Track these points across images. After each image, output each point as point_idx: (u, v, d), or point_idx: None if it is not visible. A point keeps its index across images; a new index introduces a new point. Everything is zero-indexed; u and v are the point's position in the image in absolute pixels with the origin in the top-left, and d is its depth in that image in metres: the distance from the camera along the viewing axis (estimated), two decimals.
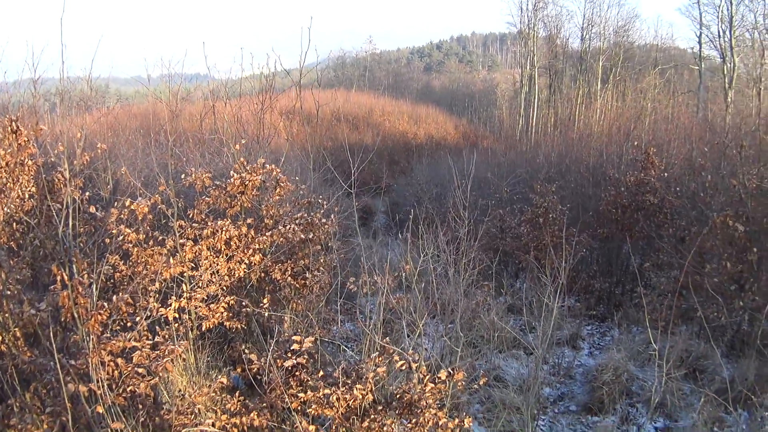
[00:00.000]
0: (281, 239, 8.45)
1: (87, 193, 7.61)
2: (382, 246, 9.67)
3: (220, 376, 6.63)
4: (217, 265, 7.79)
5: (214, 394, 6.62)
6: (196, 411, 6.19)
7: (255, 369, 6.18)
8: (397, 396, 5.87)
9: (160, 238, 7.49)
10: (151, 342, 5.90)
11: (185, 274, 7.57)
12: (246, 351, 6.50)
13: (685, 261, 9.83)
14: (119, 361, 5.60)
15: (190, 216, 8.21)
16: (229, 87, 12.91)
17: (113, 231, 7.18)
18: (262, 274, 8.73)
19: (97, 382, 5.24)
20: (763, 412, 7.60)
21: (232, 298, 7.88)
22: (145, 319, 6.05)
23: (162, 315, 6.67)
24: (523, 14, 45.95)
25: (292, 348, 5.93)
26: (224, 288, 7.89)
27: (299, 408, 5.82)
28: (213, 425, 5.96)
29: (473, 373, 8.37)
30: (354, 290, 8.36)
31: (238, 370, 7.78)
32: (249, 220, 8.31)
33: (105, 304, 5.52)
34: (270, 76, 11.52)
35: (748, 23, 35.36)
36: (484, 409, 8.94)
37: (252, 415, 6.04)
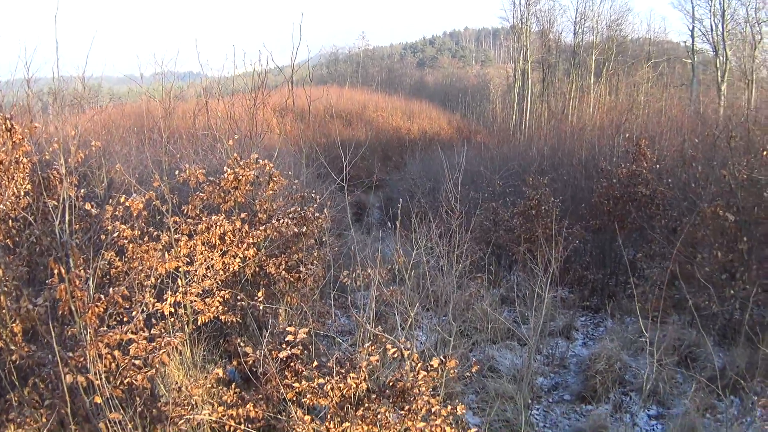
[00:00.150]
0: (275, 233, 8.54)
1: (82, 191, 7.65)
2: (376, 240, 9.75)
3: (215, 368, 6.70)
4: (212, 259, 7.85)
5: (210, 386, 6.69)
6: (193, 403, 6.26)
7: (250, 362, 6.24)
8: (390, 384, 5.94)
9: (155, 233, 7.54)
10: (147, 335, 5.97)
11: (180, 269, 7.63)
12: (241, 344, 6.56)
13: (676, 251, 9.94)
14: (116, 353, 5.68)
15: (185, 212, 8.27)
16: (222, 84, 12.96)
17: (108, 227, 7.23)
18: (257, 269, 8.81)
19: (95, 374, 5.32)
20: (752, 397, 7.70)
21: (227, 292, 7.95)
22: (141, 314, 6.12)
23: (158, 310, 6.74)
24: (516, 9, 45.94)
25: (286, 339, 6.01)
26: (219, 282, 7.96)
27: (294, 398, 5.89)
28: (210, 417, 6.04)
29: (467, 363, 8.45)
30: (348, 283, 8.44)
31: (234, 363, 7.84)
32: (243, 215, 8.36)
33: (101, 296, 5.59)
34: (262, 73, 11.59)
35: (740, 17, 35.49)
36: (479, 399, 9.04)
37: (248, 406, 6.13)
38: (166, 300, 6.90)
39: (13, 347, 5.85)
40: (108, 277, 7.21)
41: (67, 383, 5.30)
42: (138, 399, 5.86)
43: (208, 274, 7.79)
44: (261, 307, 7.93)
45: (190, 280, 7.61)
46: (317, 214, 9.03)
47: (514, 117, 45.12)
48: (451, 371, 6.38)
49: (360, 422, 5.81)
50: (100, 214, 7.44)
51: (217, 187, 8.53)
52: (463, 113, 56.78)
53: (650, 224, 12.41)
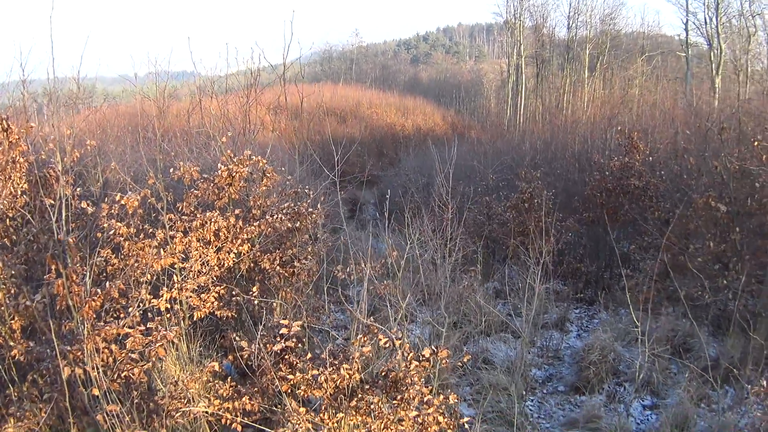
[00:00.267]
0: (269, 229, 8.61)
1: (78, 189, 7.73)
2: (370, 236, 9.81)
3: (211, 361, 6.77)
4: (207, 255, 7.93)
5: (206, 379, 6.77)
6: (189, 396, 6.34)
7: (246, 356, 6.32)
8: (383, 374, 6.02)
9: (151, 231, 7.62)
10: (143, 329, 6.06)
11: (176, 266, 7.71)
12: (237, 339, 6.64)
13: (668, 243, 10.01)
14: (113, 347, 5.77)
15: (180, 209, 8.34)
16: (215, 83, 13.03)
17: (104, 225, 7.31)
18: (252, 264, 8.88)
19: (93, 368, 5.41)
20: (744, 384, 7.76)
21: (222, 287, 8.03)
22: (137, 310, 6.21)
23: (154, 306, 6.83)
24: (509, 4, 45.77)
25: (280, 332, 6.09)
26: (214, 278, 8.04)
27: (289, 391, 5.96)
28: (206, 411, 6.12)
29: (460, 355, 8.52)
30: (342, 277, 8.52)
31: (230, 358, 7.91)
32: (237, 211, 8.44)
33: (98, 290, 5.68)
34: (255, 71, 11.66)
35: (734, 9, 35.40)
36: (473, 391, 9.08)
37: (244, 399, 6.18)
38: (162, 296, 6.99)
39: (12, 343, 5.95)
40: (104, 274, 7.29)
41: (66, 376, 5.39)
42: (135, 392, 5.95)
43: (204, 270, 7.88)
44: (256, 302, 8.02)
45: (185, 276, 7.69)
46: (311, 210, 9.11)
47: (508, 112, 45.14)
48: (443, 361, 6.47)
49: (354, 413, 5.90)
50: (96, 213, 7.52)
51: (212, 184, 8.61)
52: (458, 109, 56.77)
53: (643, 216, 12.45)
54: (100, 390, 5.36)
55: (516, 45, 45.67)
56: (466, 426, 6.55)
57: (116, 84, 36.19)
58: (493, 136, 31.22)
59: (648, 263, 11.24)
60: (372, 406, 5.80)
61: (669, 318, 10.29)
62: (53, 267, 5.44)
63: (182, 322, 7.59)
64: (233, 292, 8.29)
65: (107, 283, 6.04)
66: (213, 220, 8.00)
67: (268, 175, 9.13)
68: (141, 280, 7.00)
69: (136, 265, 7.19)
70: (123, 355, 5.83)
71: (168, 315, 6.99)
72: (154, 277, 7.32)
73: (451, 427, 6.14)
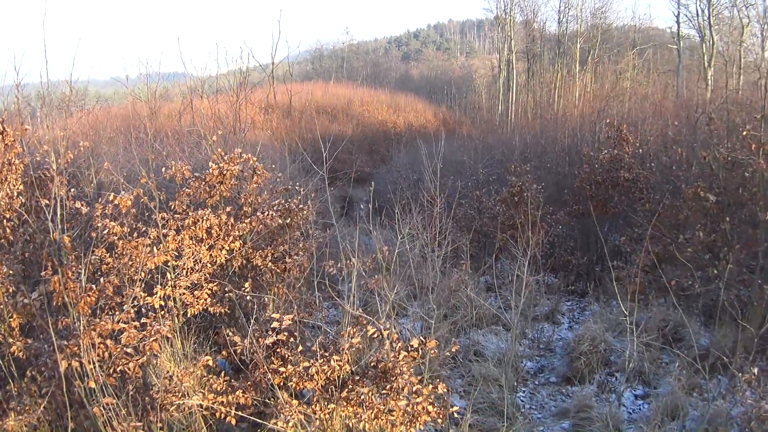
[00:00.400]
0: (260, 226, 8.68)
1: (72, 190, 7.82)
2: (363, 232, 9.87)
3: (205, 356, 6.86)
4: (200, 253, 7.99)
5: (200, 373, 6.87)
6: (184, 391, 6.45)
7: (239, 351, 6.43)
8: (372, 365, 6.14)
9: (144, 229, 7.68)
10: (137, 324, 6.18)
11: (169, 263, 7.77)
12: (230, 334, 6.74)
13: (659, 234, 10.10)
14: (108, 342, 5.89)
15: (172, 207, 8.38)
16: (206, 83, 13.11)
17: (98, 225, 7.40)
18: (244, 261, 8.96)
19: (89, 363, 5.53)
20: (735, 373, 7.83)
21: (215, 284, 8.11)
22: (131, 307, 6.32)
23: (148, 303, 6.93)
24: (500, 0, 46.03)
25: (272, 326, 6.21)
26: (207, 275, 8.11)
27: (282, 383, 6.08)
28: (200, 404, 6.24)
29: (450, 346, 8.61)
30: (333, 273, 8.62)
31: (224, 353, 8.00)
32: (228, 209, 8.49)
33: (93, 286, 5.80)
34: (246, 71, 11.76)
35: (726, 1, 35.43)
36: (465, 383, 9.14)
37: (237, 393, 6.30)
38: (156, 293, 7.09)
39: (11, 340, 6.08)
40: (99, 273, 7.37)
41: (63, 369, 5.52)
42: (131, 386, 6.07)
43: (196, 268, 7.95)
44: (248, 298, 8.12)
45: (178, 274, 7.76)
46: (301, 206, 9.20)
47: (499, 107, 45.18)
48: (432, 351, 6.57)
49: (345, 404, 6.02)
50: (90, 212, 7.60)
51: (203, 183, 8.67)
52: (449, 105, 56.61)
53: (632, 208, 12.55)
54: (96, 384, 5.47)
55: (507, 40, 45.69)
56: (456, 415, 6.67)
57: (108, 86, 36.21)
58: (484, 132, 31.38)
59: (639, 255, 11.34)
60: (362, 397, 5.90)
61: (660, 308, 10.36)
62: (49, 264, 5.57)
63: (176, 319, 7.67)
64: (226, 289, 8.37)
65: (101, 279, 6.17)
66: (205, 217, 8.06)
67: (259, 172, 9.20)
68: (135, 278, 7.07)
69: (130, 263, 7.26)
70: (118, 350, 5.95)
71: (162, 312, 7.07)
72: (148, 275, 7.41)
73: (441, 416, 6.25)
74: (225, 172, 8.65)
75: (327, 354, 6.00)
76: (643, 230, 11.66)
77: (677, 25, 37.71)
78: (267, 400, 6.38)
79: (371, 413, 5.87)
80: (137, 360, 6.04)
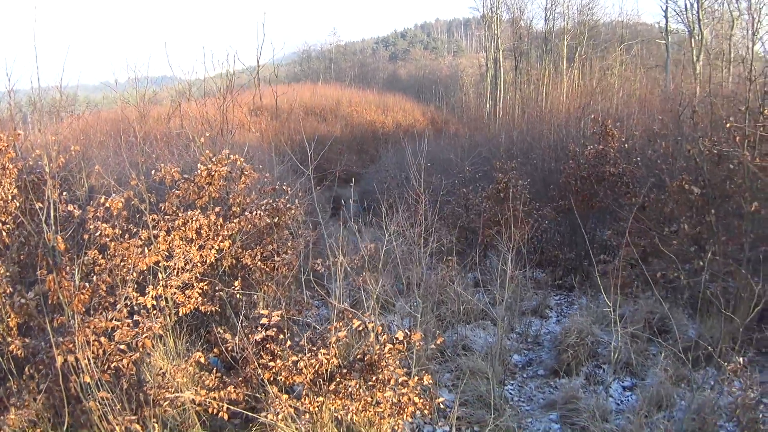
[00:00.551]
0: (249, 225, 8.78)
1: (65, 194, 7.95)
2: (351, 232, 9.98)
3: (196, 352, 6.99)
4: (190, 253, 8.10)
5: (192, 369, 7.00)
6: (176, 386, 6.60)
7: (230, 348, 6.57)
8: (359, 357, 6.29)
9: (135, 231, 7.79)
10: (130, 321, 6.34)
11: (160, 264, 7.88)
12: (221, 332, 6.87)
13: (644, 227, 10.21)
14: (103, 340, 6.06)
15: (162, 209, 8.49)
16: (194, 86, 13.22)
17: (90, 227, 7.51)
18: (233, 260, 9.07)
19: (84, 359, 5.69)
20: (722, 363, 7.93)
21: (205, 283, 8.23)
22: (124, 305, 6.48)
23: (141, 303, 7.07)
24: None
25: (261, 322, 6.36)
26: (198, 275, 8.22)
27: (272, 378, 6.23)
28: (193, 400, 6.38)
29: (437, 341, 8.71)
30: (321, 271, 8.75)
31: (216, 351, 8.12)
32: (217, 209, 8.57)
33: (86, 284, 5.95)
34: (233, 74, 11.88)
35: None
36: (453, 377, 9.25)
37: (229, 389, 6.44)
38: (148, 293, 7.23)
39: (9, 339, 6.25)
40: (92, 274, 7.50)
41: (59, 364, 5.68)
42: (125, 382, 6.23)
43: (187, 267, 8.05)
44: (238, 297, 8.25)
45: (170, 274, 7.87)
46: (289, 206, 9.33)
47: (487, 105, 45.20)
48: (418, 344, 6.70)
49: (333, 396, 6.18)
50: (83, 215, 7.72)
51: (192, 184, 8.77)
52: (437, 104, 56.66)
53: (619, 202, 12.65)
54: (92, 379, 5.63)
55: (494, 39, 45.68)
56: (442, 407, 6.81)
57: (98, 91, 36.15)
58: (472, 130, 31.44)
59: (625, 248, 11.46)
60: (350, 390, 6.04)
61: (647, 301, 10.39)
62: (44, 264, 5.73)
63: (168, 318, 7.80)
64: (216, 288, 8.48)
65: (94, 278, 6.32)
66: (194, 218, 8.16)
67: (247, 173, 9.31)
68: (127, 278, 7.20)
69: (122, 264, 7.37)
70: (112, 346, 6.10)
71: (154, 312, 7.20)
72: (140, 276, 7.54)
73: (427, 407, 6.40)
74: (213, 173, 8.77)
75: (315, 348, 6.15)
76: (629, 224, 11.82)
77: (665, 20, 37.60)
78: (258, 395, 6.52)
79: (359, 405, 6.02)
80: (131, 356, 6.20)
